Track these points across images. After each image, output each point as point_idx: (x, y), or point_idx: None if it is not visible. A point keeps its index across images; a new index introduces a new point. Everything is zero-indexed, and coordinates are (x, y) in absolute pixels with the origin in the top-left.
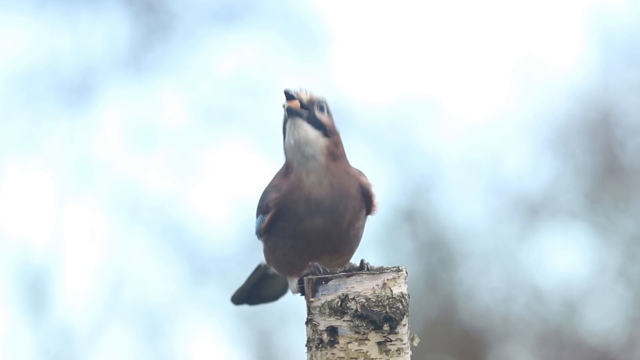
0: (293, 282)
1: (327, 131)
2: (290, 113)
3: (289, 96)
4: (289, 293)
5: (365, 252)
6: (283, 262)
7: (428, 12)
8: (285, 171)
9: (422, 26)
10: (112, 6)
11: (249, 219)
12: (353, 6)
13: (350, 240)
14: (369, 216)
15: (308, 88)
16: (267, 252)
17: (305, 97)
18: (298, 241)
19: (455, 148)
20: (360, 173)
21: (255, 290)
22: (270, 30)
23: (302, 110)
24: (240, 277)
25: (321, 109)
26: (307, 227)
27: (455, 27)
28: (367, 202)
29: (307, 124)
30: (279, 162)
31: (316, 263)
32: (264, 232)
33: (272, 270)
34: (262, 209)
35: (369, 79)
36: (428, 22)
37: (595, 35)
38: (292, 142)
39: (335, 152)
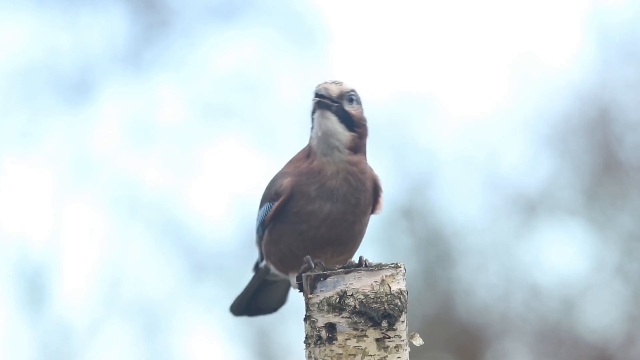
0: (293, 278)
1: (354, 124)
2: (319, 105)
3: (318, 95)
4: (288, 304)
5: (363, 249)
6: (287, 253)
7: (426, 8)
8: (306, 157)
9: (419, 23)
10: (111, 2)
11: (248, 216)
12: (351, 3)
13: (354, 235)
14: (372, 215)
15: (339, 79)
16: (270, 244)
17: (335, 92)
18: (304, 225)
19: (453, 145)
20: (372, 169)
21: (254, 301)
22: (268, 27)
23: (331, 103)
24: (238, 274)
25: (350, 100)
26: (315, 209)
27: (452, 24)
28: (374, 200)
29: (335, 117)
30: (278, 158)
31: (308, 256)
32: (270, 221)
33: (272, 271)
34: (269, 196)
35: (366, 76)
36: (426, 18)
37: (592, 31)
38: (319, 133)
39: (359, 144)
